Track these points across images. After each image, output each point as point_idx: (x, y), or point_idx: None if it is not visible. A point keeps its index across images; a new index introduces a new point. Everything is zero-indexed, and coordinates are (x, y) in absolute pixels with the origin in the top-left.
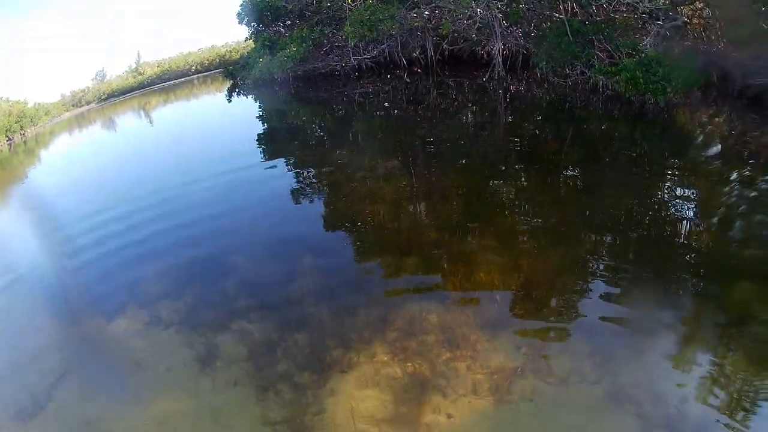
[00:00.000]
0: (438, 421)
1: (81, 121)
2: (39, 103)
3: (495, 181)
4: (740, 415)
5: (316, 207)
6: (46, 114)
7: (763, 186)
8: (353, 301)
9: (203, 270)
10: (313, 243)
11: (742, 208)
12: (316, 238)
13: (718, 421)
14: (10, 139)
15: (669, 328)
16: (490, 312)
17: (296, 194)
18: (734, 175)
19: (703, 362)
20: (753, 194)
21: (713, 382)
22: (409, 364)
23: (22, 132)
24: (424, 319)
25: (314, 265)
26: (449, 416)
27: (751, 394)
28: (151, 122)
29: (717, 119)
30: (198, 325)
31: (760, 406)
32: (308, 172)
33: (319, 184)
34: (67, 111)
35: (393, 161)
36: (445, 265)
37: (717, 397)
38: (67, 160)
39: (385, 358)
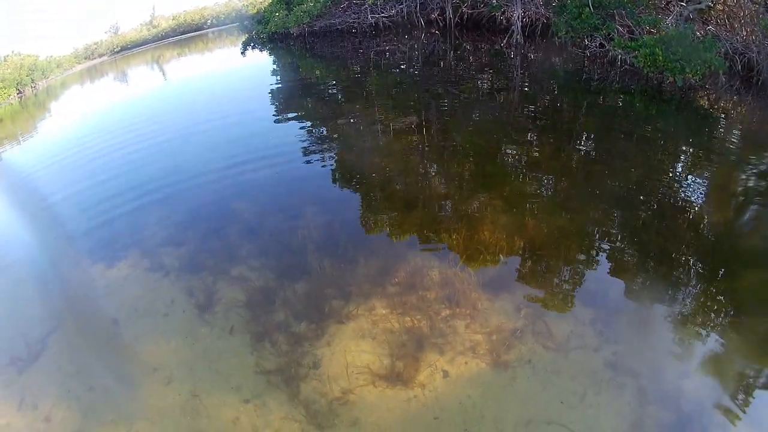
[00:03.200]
0: (433, 379)
1: (93, 73)
2: (51, 56)
3: (506, 145)
4: (739, 398)
5: (325, 159)
6: (57, 67)
7: None
8: (355, 252)
9: (207, 216)
10: (319, 194)
11: (754, 196)
12: (322, 189)
13: (716, 402)
14: (20, 92)
15: (672, 304)
16: (492, 272)
17: (305, 146)
18: (750, 164)
19: (704, 341)
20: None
21: (714, 363)
22: (408, 318)
23: (33, 85)
24: (426, 275)
25: (319, 215)
26: (445, 374)
27: (752, 379)
28: (164, 74)
29: (739, 107)
30: (198, 272)
31: (759, 391)
32: (318, 125)
33: (328, 138)
34: (79, 63)
35: (405, 119)
36: (450, 222)
37: (717, 378)
38: (76, 112)
39: (384, 312)
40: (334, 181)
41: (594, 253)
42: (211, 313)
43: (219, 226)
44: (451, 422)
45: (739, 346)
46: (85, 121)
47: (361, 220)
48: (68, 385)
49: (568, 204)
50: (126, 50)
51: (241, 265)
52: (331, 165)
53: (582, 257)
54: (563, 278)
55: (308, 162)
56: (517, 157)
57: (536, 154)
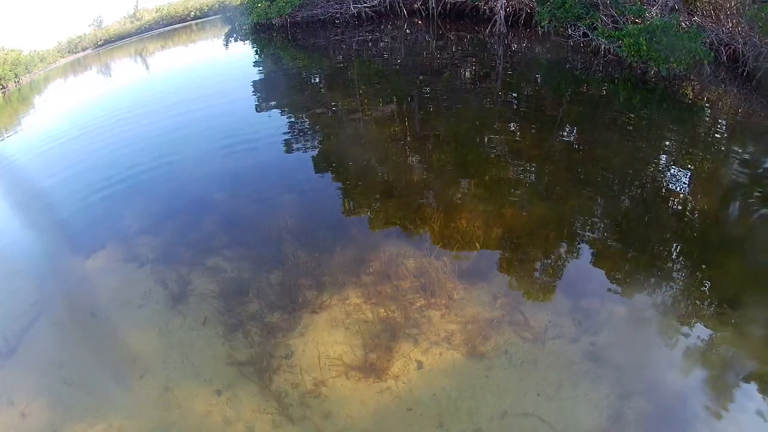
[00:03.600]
0: (407, 370)
1: (76, 67)
2: (34, 51)
3: (487, 134)
4: (722, 390)
5: (304, 147)
6: (41, 61)
7: (764, 167)
8: (330, 242)
9: (183, 206)
10: (296, 182)
11: (739, 185)
12: (299, 178)
13: (699, 394)
14: (4, 87)
15: (653, 294)
16: (469, 260)
17: (283, 135)
18: (736, 153)
19: (687, 332)
20: (752, 174)
21: (697, 354)
22: (382, 309)
23: (17, 80)
24: (401, 264)
25: (295, 204)
26: (419, 365)
27: (735, 370)
28: (147, 67)
29: (725, 97)
30: (173, 262)
31: (742, 382)
32: (299, 115)
33: (308, 127)
34: (63, 57)
35: (386, 108)
36: (428, 211)
37: (700, 369)
38: (59, 106)
39: (358, 301)
40: (312, 170)
41: (574, 242)
42: (185, 304)
43: (195, 216)
44: (425, 414)
45: (722, 336)
46: (67, 114)
47: (338, 209)
48: (45, 380)
49: (548, 192)
50: (109, 43)
51: (216, 256)
52: (310, 154)
53: (562, 246)
54: (541, 267)
55: (287, 151)
56: (498, 145)
57: (518, 142)
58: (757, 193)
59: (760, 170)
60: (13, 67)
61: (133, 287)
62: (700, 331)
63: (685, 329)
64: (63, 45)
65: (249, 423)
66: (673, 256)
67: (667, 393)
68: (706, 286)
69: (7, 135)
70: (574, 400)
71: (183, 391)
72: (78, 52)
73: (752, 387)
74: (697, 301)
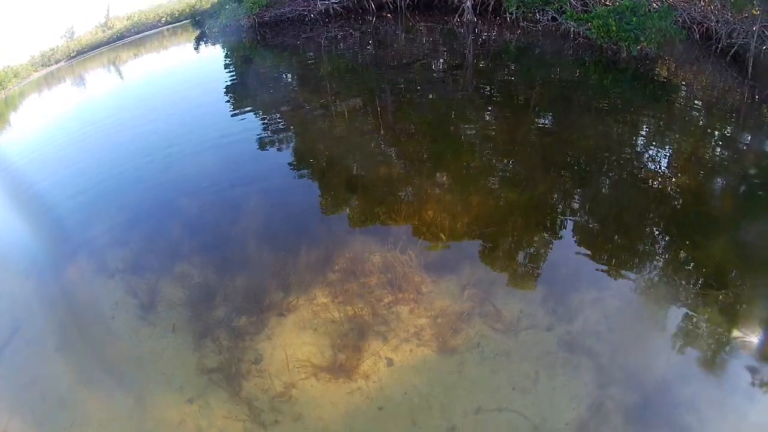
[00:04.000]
0: (377, 369)
1: (50, 80)
2: (8, 66)
3: (457, 123)
4: (707, 375)
5: (271, 147)
6: (15, 76)
7: (742, 142)
8: (296, 241)
9: (150, 215)
10: (262, 183)
11: (718, 162)
12: (265, 178)
13: (683, 380)
14: None
15: (631, 277)
16: (436, 253)
17: (251, 135)
18: (712, 129)
19: (667, 315)
20: (730, 149)
21: (679, 338)
22: (349, 307)
23: None
24: (367, 260)
25: (260, 205)
26: (389, 363)
27: (719, 354)
28: (120, 75)
29: (700, 76)
30: (142, 271)
31: (728, 364)
32: (267, 114)
33: (276, 125)
34: (37, 71)
35: (355, 102)
36: (393, 203)
37: (683, 353)
38: (36, 120)
39: (325, 301)
40: (278, 169)
41: (546, 228)
42: (154, 313)
43: (162, 223)
44: (397, 413)
45: (704, 318)
46: (42, 128)
47: (303, 208)
48: (23, 396)
49: (519, 179)
50: (82, 54)
51: (183, 262)
52: (276, 153)
53: (533, 233)
54: (512, 255)
55: (253, 151)
56: (469, 134)
57: (489, 130)
58: (737, 171)
59: (741, 147)
60: None
61: (104, 299)
62: (681, 314)
63: (665, 313)
64: (36, 59)
65: (221, 429)
66: (650, 239)
67: (649, 380)
68: (685, 268)
69: None
70: (551, 392)
71: (155, 401)
72: (51, 64)
73: (737, 370)
74: (677, 284)
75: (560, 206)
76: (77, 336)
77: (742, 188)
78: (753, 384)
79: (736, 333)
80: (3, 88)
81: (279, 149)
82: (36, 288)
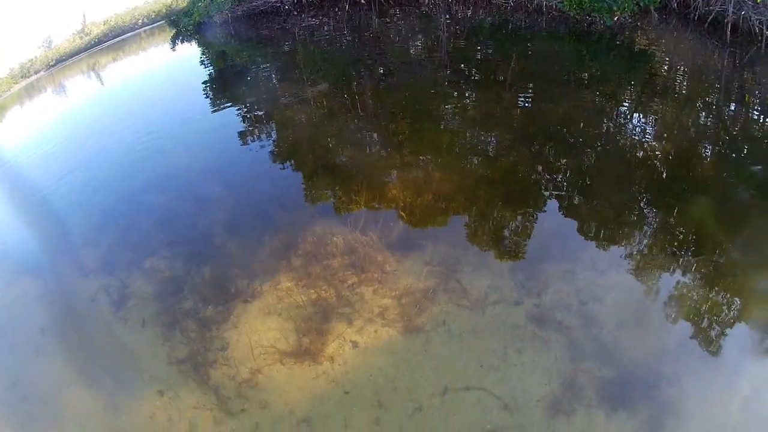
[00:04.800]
0: (342, 351)
1: (31, 91)
2: None
3: (430, 102)
4: (686, 347)
5: (240, 138)
6: None
7: (725, 109)
8: (260, 228)
9: (120, 212)
10: (227, 173)
11: (701, 129)
12: (231, 167)
13: (662, 350)
14: None
15: (601, 247)
16: (399, 231)
17: (220, 128)
18: (693, 96)
19: (643, 285)
20: (712, 116)
21: (657, 308)
22: (313, 291)
23: None
24: (330, 242)
25: (226, 194)
26: (354, 345)
27: (698, 323)
28: (100, 80)
29: (680, 43)
30: (113, 268)
31: (708, 336)
32: (238, 107)
33: (246, 117)
34: (17, 83)
35: (329, 89)
36: (356, 183)
37: (660, 325)
38: (15, 131)
39: (289, 285)
40: (243, 158)
41: (516, 200)
42: (125, 309)
43: (132, 221)
44: (363, 396)
45: (681, 288)
46: (25, 137)
47: (266, 195)
48: (5, 398)
49: (491, 153)
50: (61, 62)
51: (153, 257)
52: (245, 143)
53: (502, 206)
54: (476, 228)
55: (222, 145)
56: (439, 113)
57: (459, 107)
58: (719, 137)
59: (723, 113)
60: None
61: (78, 298)
62: (657, 285)
63: (640, 284)
64: (16, 70)
65: (191, 420)
66: (624, 209)
67: (625, 354)
68: (661, 237)
69: None
70: (520, 368)
71: (128, 395)
72: (31, 75)
73: (717, 341)
74: (652, 253)
75: (531, 179)
76: (53, 337)
77: (725, 155)
78: (735, 357)
79: (715, 303)
80: None
81: (249, 140)
82: (17, 292)
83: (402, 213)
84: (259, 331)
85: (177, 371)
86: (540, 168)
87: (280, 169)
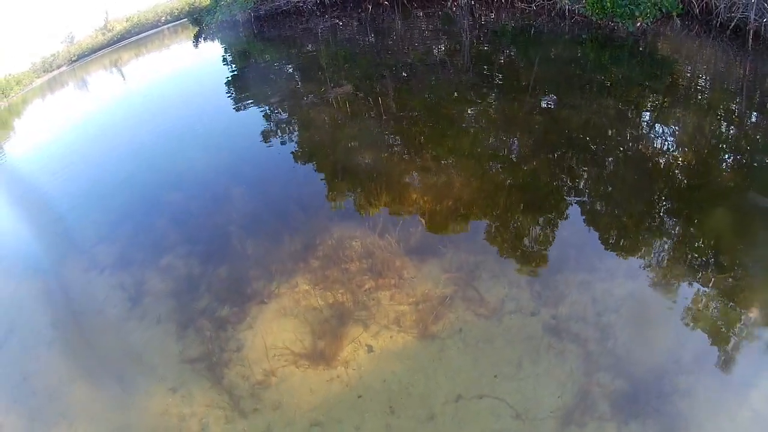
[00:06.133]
0: (357, 356)
1: (53, 85)
2: (9, 74)
3: (452, 106)
4: (701, 361)
5: (263, 138)
6: (17, 84)
7: (747, 118)
8: (279, 229)
9: (138, 209)
10: (247, 172)
11: (723, 138)
12: (251, 167)
13: (676, 363)
14: None
15: (619, 260)
16: (419, 236)
17: (241, 126)
18: (714, 105)
19: (660, 298)
20: (733, 125)
21: (673, 322)
22: (329, 294)
23: None
24: (348, 246)
25: (245, 194)
26: (369, 350)
27: (715, 337)
28: (122, 76)
29: (702, 51)
30: (129, 265)
31: (721, 351)
32: (261, 106)
33: (269, 116)
34: (39, 77)
35: (352, 90)
36: (376, 187)
37: (676, 338)
38: (37, 126)
39: (306, 288)
40: (263, 157)
41: (535, 208)
42: (140, 306)
43: (150, 219)
44: (376, 401)
45: (699, 302)
46: (46, 134)
47: (285, 195)
48: (16, 393)
49: (511, 160)
50: (84, 58)
51: (169, 255)
52: (269, 143)
53: (521, 214)
54: (495, 236)
55: (242, 144)
56: (461, 117)
57: (481, 112)
58: (741, 147)
59: (744, 123)
60: None
61: (93, 295)
62: (674, 299)
63: (657, 297)
64: (38, 65)
65: (203, 419)
66: (644, 220)
67: (639, 368)
68: (681, 250)
69: None
70: (535, 379)
71: (140, 391)
72: (53, 70)
73: (733, 357)
74: (671, 266)
75: (551, 186)
76: (65, 332)
77: (747, 165)
78: (750, 372)
79: (734, 318)
80: (6, 96)
81: (272, 140)
82: (30, 287)
83: (421, 218)
84: (274, 332)
85: (190, 370)
86: (560, 175)
87: (301, 169)
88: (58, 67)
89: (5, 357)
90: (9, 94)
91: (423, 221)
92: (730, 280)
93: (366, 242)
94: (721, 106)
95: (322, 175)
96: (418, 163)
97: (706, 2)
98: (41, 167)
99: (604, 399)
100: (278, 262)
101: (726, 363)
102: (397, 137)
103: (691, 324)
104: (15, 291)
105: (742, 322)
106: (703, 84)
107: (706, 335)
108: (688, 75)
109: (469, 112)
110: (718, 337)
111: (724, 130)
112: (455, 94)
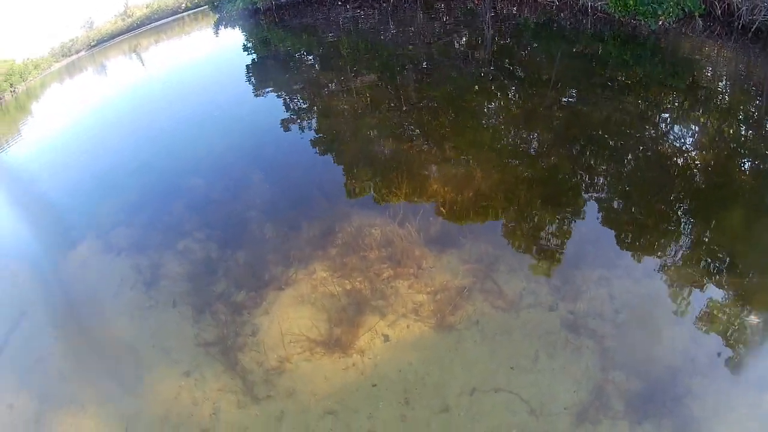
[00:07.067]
0: (373, 344)
1: (71, 69)
2: (28, 58)
3: (473, 99)
4: (717, 362)
5: (284, 125)
6: (35, 68)
7: (767, 120)
8: (298, 215)
9: (156, 195)
10: (267, 158)
11: (742, 140)
12: (271, 153)
13: (692, 361)
14: (0, 98)
15: (639, 258)
16: (438, 226)
17: (262, 113)
18: (734, 107)
19: (677, 297)
20: (754, 127)
21: (691, 322)
22: (347, 281)
23: (12, 89)
24: (368, 234)
25: (265, 180)
26: (385, 339)
27: (731, 340)
28: (141, 62)
29: (723, 51)
30: (146, 248)
31: (736, 351)
32: (283, 93)
33: (291, 103)
34: (57, 62)
35: (373, 80)
36: (397, 176)
37: (693, 339)
38: (54, 111)
39: (324, 275)
40: (282, 144)
41: (555, 203)
42: (155, 288)
43: (167, 204)
44: (391, 390)
45: (717, 303)
46: (63, 119)
47: (305, 182)
48: (28, 375)
49: (532, 153)
50: (103, 43)
51: (186, 239)
52: (288, 130)
53: (541, 208)
54: (514, 229)
55: (264, 129)
56: (481, 110)
57: (501, 106)
58: (765, 150)
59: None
60: (8, 77)
61: (109, 277)
62: (693, 299)
63: (676, 296)
64: (56, 49)
65: (215, 403)
66: (664, 218)
67: (655, 367)
68: (701, 250)
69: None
70: (551, 374)
71: (154, 374)
72: (71, 54)
73: (750, 360)
74: (690, 266)
75: (570, 181)
76: (81, 315)
77: (766, 168)
78: (763, 372)
79: (751, 320)
80: (24, 80)
81: (291, 127)
82: (48, 269)
83: (441, 208)
84: (290, 318)
85: (204, 353)
86: (580, 170)
87: (321, 157)
88: (77, 51)
89: (18, 339)
90: (27, 78)
91: (443, 211)
92: (747, 282)
93: (385, 230)
94: (742, 108)
95: (343, 163)
96: (438, 154)
97: (728, 4)
98: (60, 151)
99: (619, 397)
100: (297, 248)
101: (740, 365)
102: (417, 128)
103: (708, 325)
104: (30, 273)
105: (757, 325)
106: (723, 85)
107: (722, 337)
108: (709, 75)
109: (489, 105)
110: (733, 339)
111: (743, 132)
112: (476, 87)
